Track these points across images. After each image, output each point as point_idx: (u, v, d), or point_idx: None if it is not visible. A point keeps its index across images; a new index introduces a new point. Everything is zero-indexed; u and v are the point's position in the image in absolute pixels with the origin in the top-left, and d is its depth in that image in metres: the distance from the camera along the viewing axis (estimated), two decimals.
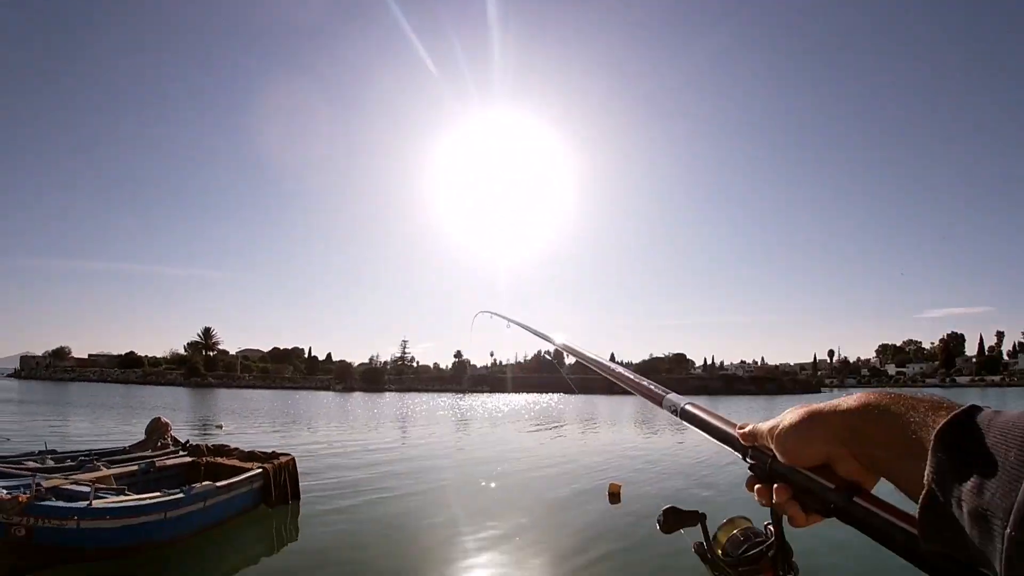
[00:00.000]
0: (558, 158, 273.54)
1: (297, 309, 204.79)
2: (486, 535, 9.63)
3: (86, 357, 77.82)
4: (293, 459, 11.73)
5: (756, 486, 0.75)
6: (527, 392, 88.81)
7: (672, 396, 1.03)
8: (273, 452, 12.00)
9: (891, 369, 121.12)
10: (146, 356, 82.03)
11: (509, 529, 10.05)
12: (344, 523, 10.39)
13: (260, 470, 10.48)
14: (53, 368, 64.93)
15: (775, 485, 0.71)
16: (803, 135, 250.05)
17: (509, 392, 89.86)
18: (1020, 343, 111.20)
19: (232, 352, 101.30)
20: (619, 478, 13.77)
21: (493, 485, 14.43)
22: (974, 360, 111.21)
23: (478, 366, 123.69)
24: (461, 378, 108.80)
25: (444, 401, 64.35)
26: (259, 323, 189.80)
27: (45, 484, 7.29)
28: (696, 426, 0.92)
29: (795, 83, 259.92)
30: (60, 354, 72.50)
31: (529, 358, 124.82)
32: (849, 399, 0.64)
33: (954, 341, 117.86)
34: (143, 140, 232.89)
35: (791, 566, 0.77)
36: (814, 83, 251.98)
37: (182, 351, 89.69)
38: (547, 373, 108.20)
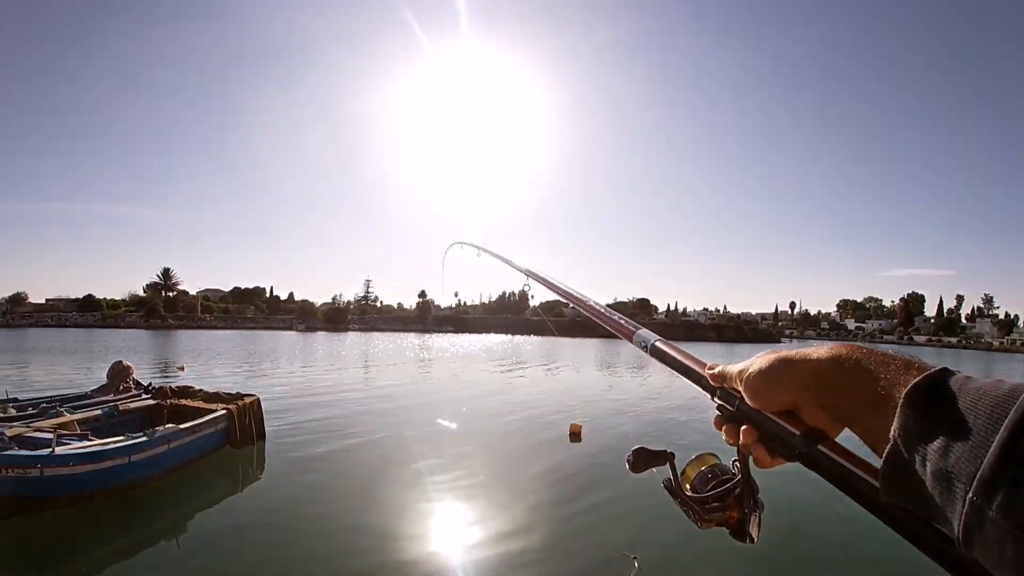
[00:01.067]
0: (526, 97, 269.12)
1: (259, 249, 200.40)
2: (448, 474, 10.04)
3: (44, 302, 75.60)
4: (258, 399, 11.90)
5: (724, 426, 0.77)
6: (491, 332, 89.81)
7: (643, 332, 1.04)
8: (238, 393, 12.12)
9: (851, 324, 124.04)
10: (105, 299, 79.81)
11: (472, 468, 10.48)
12: (309, 464, 10.64)
13: (224, 411, 10.65)
14: (10, 315, 62.84)
15: (742, 427, 0.73)
16: (780, 81, 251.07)
17: (473, 333, 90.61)
18: (979, 308, 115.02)
19: (193, 293, 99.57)
20: (580, 419, 14.31)
21: (456, 425, 14.86)
22: (932, 321, 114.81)
23: (442, 306, 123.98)
24: (425, 318, 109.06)
25: (408, 341, 64.62)
26: (220, 263, 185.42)
27: (8, 433, 7.31)
28: (665, 363, 0.93)
29: (769, 25, 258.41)
30: (17, 300, 70.04)
31: (494, 299, 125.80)
32: (820, 349, 0.65)
33: (914, 301, 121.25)
34: (93, 72, 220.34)
35: (756, 503, 0.80)
36: (784, 27, 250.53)
37: (141, 293, 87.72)
38: (511, 314, 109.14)
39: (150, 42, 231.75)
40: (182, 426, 9.23)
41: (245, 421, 11.10)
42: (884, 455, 0.53)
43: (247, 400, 11.57)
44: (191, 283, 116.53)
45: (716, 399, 0.79)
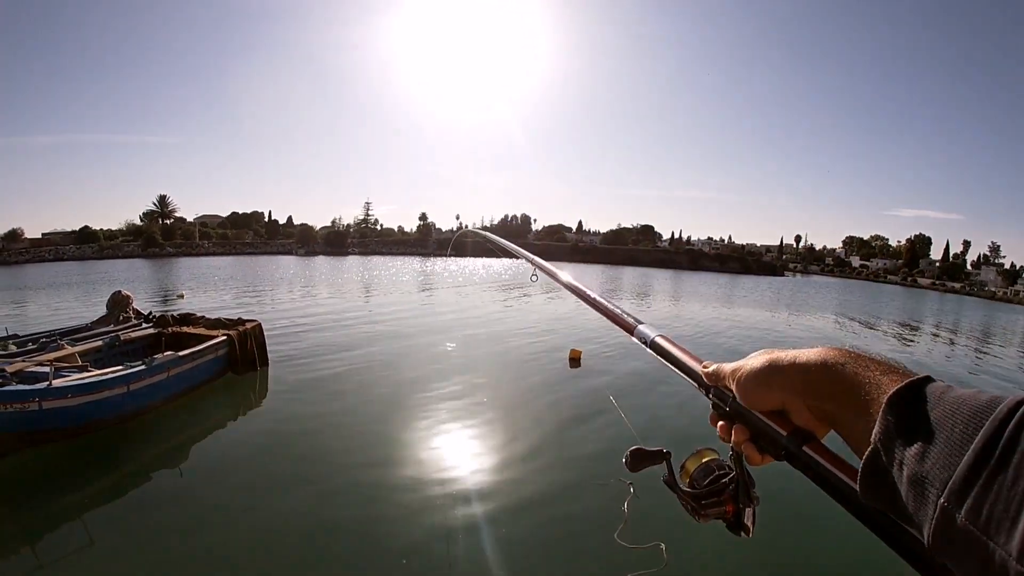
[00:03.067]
0: (531, 15, 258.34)
1: (256, 172, 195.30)
2: (451, 398, 10.15)
3: (40, 237, 74.81)
4: (259, 325, 11.87)
5: (718, 423, 0.80)
6: (492, 257, 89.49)
7: (644, 328, 1.04)
8: (239, 319, 12.10)
9: (855, 261, 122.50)
10: (101, 230, 78.92)
11: (473, 392, 10.58)
12: (312, 388, 10.70)
13: (225, 337, 10.62)
14: (7, 252, 62.35)
15: (735, 425, 0.76)
16: (793, 8, 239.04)
17: (474, 256, 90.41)
18: (985, 255, 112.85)
19: (190, 219, 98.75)
20: (580, 344, 14.39)
21: (458, 350, 14.94)
22: (937, 264, 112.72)
23: (443, 230, 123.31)
24: (426, 242, 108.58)
25: (409, 265, 64.53)
26: (217, 188, 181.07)
27: (9, 369, 7.24)
28: (664, 359, 0.96)
29: None
30: (12, 236, 69.09)
31: (496, 221, 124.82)
32: (809, 352, 0.67)
33: (920, 243, 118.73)
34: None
35: (752, 498, 0.82)
36: None
37: (138, 222, 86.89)
38: (513, 238, 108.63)
39: None
40: (181, 353, 9.19)
41: (247, 347, 11.09)
42: (863, 459, 0.55)
43: (248, 325, 11.55)
44: (188, 210, 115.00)
45: (711, 397, 0.82)
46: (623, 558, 5.26)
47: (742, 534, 0.82)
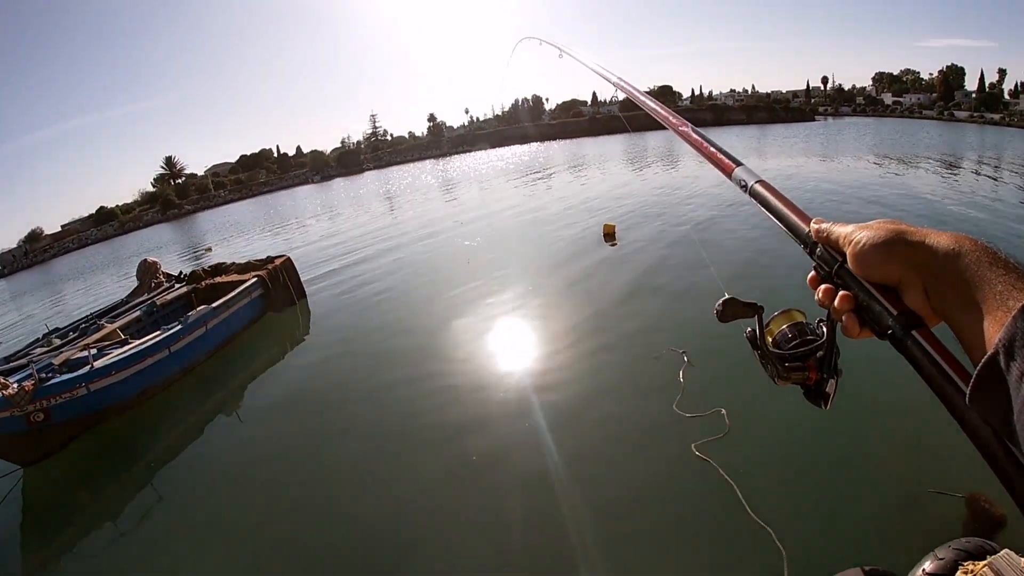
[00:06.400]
0: None
1: (255, 111, 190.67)
2: (494, 295, 9.89)
3: (60, 230, 75.48)
4: (288, 259, 11.72)
5: (821, 286, 0.73)
6: (508, 145, 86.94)
7: (742, 170, 0.94)
8: (268, 258, 11.93)
9: (887, 98, 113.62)
10: (118, 206, 79.25)
11: (514, 286, 10.26)
12: (353, 309, 10.59)
13: (255, 279, 10.45)
14: (32, 254, 63.43)
15: (840, 292, 0.69)
16: None
17: (490, 148, 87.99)
18: (1022, 83, 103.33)
19: (201, 173, 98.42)
20: (613, 219, 13.84)
21: (491, 245, 14.60)
22: (974, 96, 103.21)
23: (454, 127, 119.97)
24: (440, 142, 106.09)
25: (426, 169, 63.45)
26: (220, 136, 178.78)
27: (56, 361, 7.22)
28: (765, 207, 0.87)
29: None
30: (34, 237, 70.06)
31: (506, 108, 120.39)
32: (943, 234, 0.61)
33: (953, 74, 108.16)
34: None
35: (836, 369, 0.75)
36: None
37: (151, 188, 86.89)
38: (526, 122, 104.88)
39: None
40: (214, 304, 9.08)
41: (280, 283, 10.95)
42: (982, 361, 0.51)
43: (278, 262, 11.39)
44: (197, 165, 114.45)
45: (815, 257, 0.76)
46: (685, 428, 5.10)
47: (822, 404, 0.79)
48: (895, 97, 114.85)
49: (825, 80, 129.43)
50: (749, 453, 4.59)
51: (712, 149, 1.03)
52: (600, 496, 4.43)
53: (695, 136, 1.11)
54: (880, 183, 18.09)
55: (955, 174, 20.55)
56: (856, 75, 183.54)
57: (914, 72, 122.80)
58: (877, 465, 4.40)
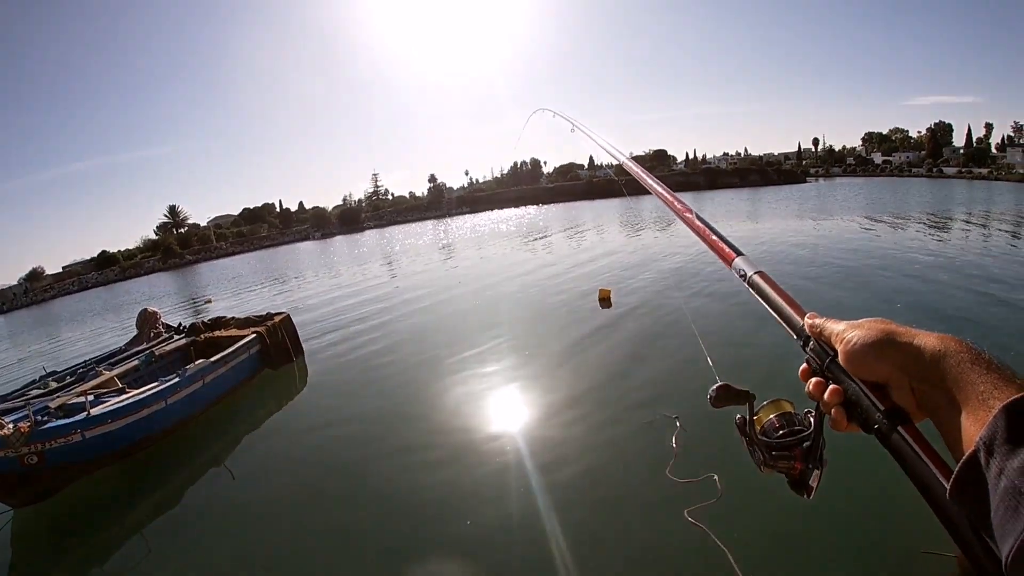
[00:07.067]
0: None
1: (260, 165, 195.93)
2: (490, 358, 9.98)
3: (61, 271, 75.80)
4: (287, 316, 11.80)
5: (812, 379, 0.77)
6: (508, 207, 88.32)
7: (742, 260, 0.99)
8: (267, 313, 12.01)
9: (877, 158, 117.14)
10: (120, 251, 79.79)
11: (510, 349, 10.37)
12: (349, 369, 10.64)
13: (253, 335, 10.53)
14: (32, 292, 63.44)
15: (831, 385, 0.73)
16: None
17: (489, 210, 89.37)
18: (1009, 136, 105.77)
19: (203, 224, 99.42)
20: (608, 283, 14.13)
21: (487, 307, 14.74)
22: (961, 151, 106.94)
23: (454, 188, 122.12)
24: (440, 203, 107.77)
25: (426, 229, 64.17)
26: (224, 188, 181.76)
27: (52, 404, 7.27)
28: (762, 298, 0.92)
29: None
30: (35, 276, 70.43)
31: (505, 172, 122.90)
32: (931, 335, 0.65)
33: (941, 130, 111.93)
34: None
35: (821, 459, 0.79)
36: None
37: (153, 236, 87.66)
38: (525, 185, 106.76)
39: None
40: (212, 359, 9.14)
41: (278, 340, 11.01)
42: (963, 458, 0.54)
43: (277, 319, 11.46)
44: (200, 215, 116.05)
45: (807, 350, 0.79)
46: (678, 493, 5.14)
47: (804, 495, 0.80)
48: (884, 156, 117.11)
49: (816, 142, 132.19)
50: (742, 518, 4.63)
51: (714, 237, 1.09)
52: (595, 562, 4.46)
53: (698, 223, 1.16)
54: (871, 246, 18.32)
55: (944, 231, 21.28)
56: (846, 135, 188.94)
57: (903, 131, 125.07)
58: (870, 527, 4.46)
